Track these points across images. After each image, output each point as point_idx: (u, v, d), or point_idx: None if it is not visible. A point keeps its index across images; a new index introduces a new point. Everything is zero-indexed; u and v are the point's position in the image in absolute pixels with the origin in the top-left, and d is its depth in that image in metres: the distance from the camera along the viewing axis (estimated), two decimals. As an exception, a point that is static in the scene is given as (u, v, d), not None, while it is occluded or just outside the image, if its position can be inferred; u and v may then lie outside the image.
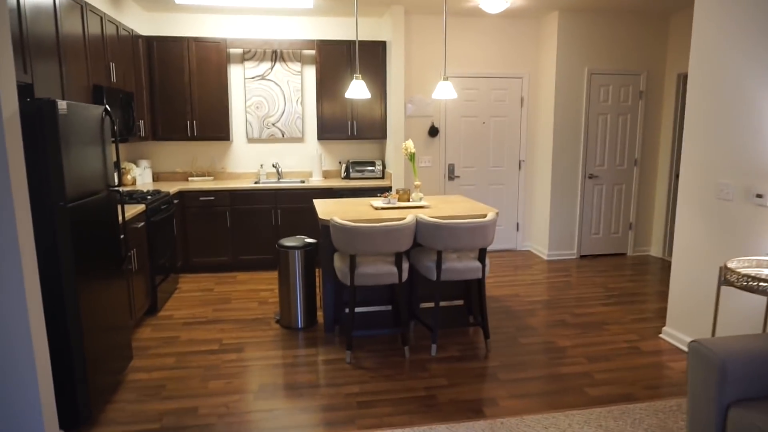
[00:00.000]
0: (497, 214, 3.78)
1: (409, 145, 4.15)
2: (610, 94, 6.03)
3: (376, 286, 4.11)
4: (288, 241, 4.16)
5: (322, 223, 3.69)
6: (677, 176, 6.09)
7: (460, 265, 3.61)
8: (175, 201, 5.33)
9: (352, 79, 5.90)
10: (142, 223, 4.21)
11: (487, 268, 3.70)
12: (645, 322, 4.23)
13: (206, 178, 6.04)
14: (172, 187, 5.43)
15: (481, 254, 3.65)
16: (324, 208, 4.11)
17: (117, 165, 3.28)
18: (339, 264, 3.63)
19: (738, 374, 2.08)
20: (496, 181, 6.43)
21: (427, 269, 3.65)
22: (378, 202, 4.18)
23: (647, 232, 6.38)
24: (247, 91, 6.03)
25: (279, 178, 6.15)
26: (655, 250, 6.32)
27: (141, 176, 5.79)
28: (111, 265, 3.17)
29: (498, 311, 4.48)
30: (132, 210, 4.02)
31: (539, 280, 5.36)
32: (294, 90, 6.11)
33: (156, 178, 6.05)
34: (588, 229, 6.24)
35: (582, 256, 6.28)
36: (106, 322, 3.06)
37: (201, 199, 5.54)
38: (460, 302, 4.25)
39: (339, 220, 3.41)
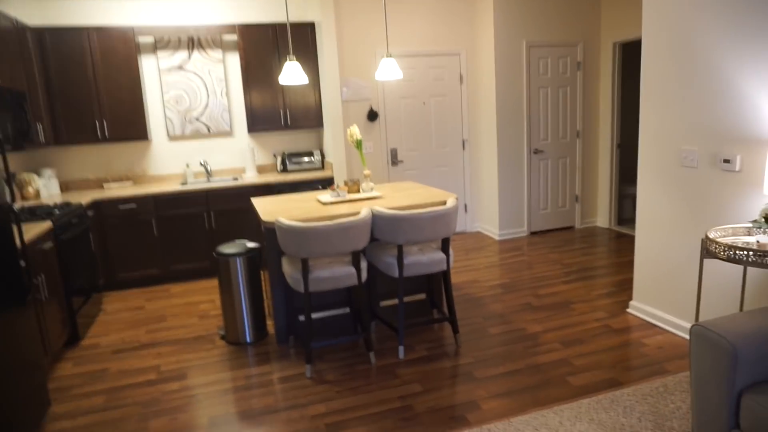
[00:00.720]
0: (457, 199, 3.51)
1: (355, 131, 3.78)
2: (549, 66, 5.91)
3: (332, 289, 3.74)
4: (227, 248, 3.70)
5: (265, 226, 3.27)
6: (619, 146, 6.09)
7: (424, 258, 3.31)
8: (90, 213, 4.68)
9: (280, 65, 5.42)
10: (50, 243, 3.61)
11: (451, 259, 3.42)
12: (609, 297, 4.12)
13: (124, 183, 5.39)
14: (84, 197, 4.78)
15: (445, 244, 3.36)
16: (265, 208, 3.67)
17: (8, 178, 2.70)
18: (289, 269, 3.23)
19: (751, 357, 1.90)
20: (440, 163, 6.19)
21: (387, 266, 3.32)
22: (326, 196, 3.80)
23: (593, 204, 6.37)
24: (164, 84, 5.41)
25: (209, 177, 5.60)
26: (602, 221, 6.33)
27: (46, 187, 5.07)
28: (11, 298, 2.61)
29: (460, 300, 4.24)
30: (35, 229, 3.41)
31: (495, 262, 5.18)
32: (217, 80, 5.55)
33: (65, 187, 5.33)
34: (536, 205, 6.14)
35: (532, 233, 6.18)
36: (11, 365, 2.51)
37: (120, 207, 4.91)
38: (422, 296, 3.96)
39: (286, 221, 3.01)
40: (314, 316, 3.74)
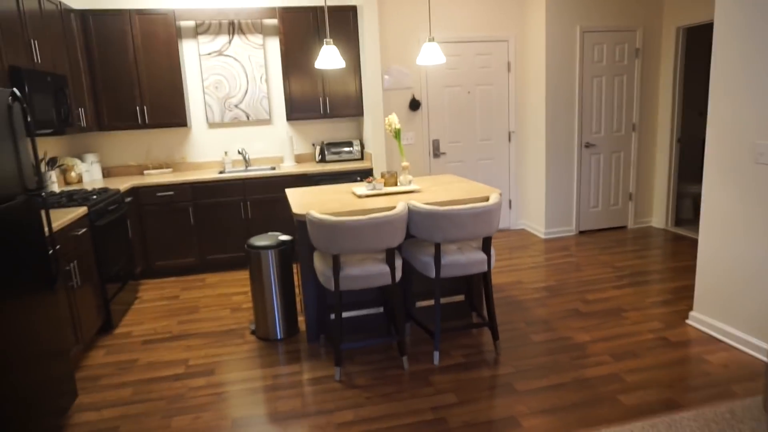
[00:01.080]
0: (501, 195, 3.26)
1: (393, 120, 3.57)
2: (605, 53, 5.52)
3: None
4: (259, 240, 3.58)
5: (297, 219, 3.12)
6: (679, 140, 5.65)
7: (463, 258, 3.09)
8: (128, 199, 4.67)
9: (321, 49, 5.25)
10: (84, 229, 3.57)
11: (492, 259, 3.19)
12: (666, 306, 3.79)
13: (164, 170, 5.38)
14: (125, 183, 4.77)
15: (486, 244, 3.12)
16: (299, 200, 3.53)
17: (36, 162, 2.64)
18: (320, 266, 3.07)
19: None
20: (485, 156, 5.91)
21: (423, 265, 3.12)
22: (361, 188, 3.62)
23: (648, 203, 5.95)
24: (204, 70, 5.35)
25: (247, 166, 5.52)
26: (657, 221, 5.91)
27: (89, 172, 5.10)
28: (38, 285, 2.55)
29: (502, 303, 3.99)
30: (69, 215, 3.37)
31: (540, 263, 4.89)
32: (257, 66, 5.44)
33: (107, 173, 5.36)
34: (586, 203, 5.78)
35: (581, 232, 5.83)
36: (37, 354, 2.46)
37: (158, 195, 4.89)
38: (461, 297, 3.74)
39: (317, 215, 2.84)
40: (346, 314, 3.59)
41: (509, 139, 5.92)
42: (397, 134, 3.60)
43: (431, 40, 3.50)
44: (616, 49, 5.54)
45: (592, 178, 5.74)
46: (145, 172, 5.34)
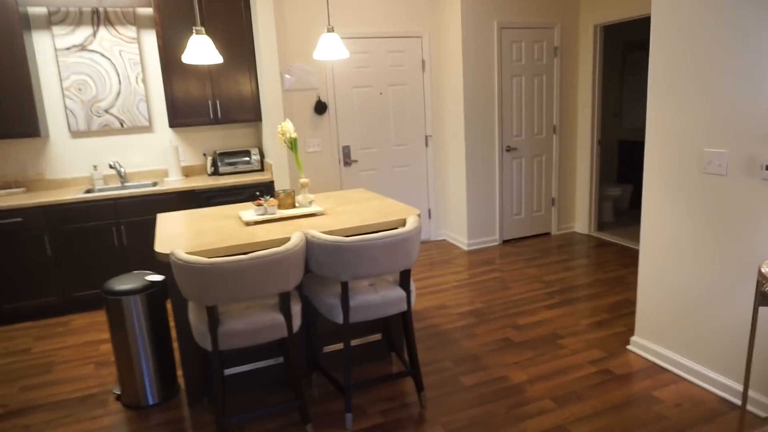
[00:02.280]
0: (419, 217, 2.71)
1: (287, 128, 2.93)
2: (524, 51, 5.18)
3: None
4: (120, 283, 2.80)
5: (160, 258, 2.39)
6: (599, 142, 5.43)
7: (377, 298, 2.51)
8: (-42, 230, 3.69)
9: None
10: None
11: (413, 296, 2.63)
12: (604, 328, 3.42)
13: (14, 190, 4.37)
14: (-48, 210, 3.77)
15: (404, 278, 2.56)
16: (168, 229, 2.79)
17: None
18: (193, 318, 2.37)
19: None
20: (401, 163, 5.39)
21: (328, 308, 2.50)
22: (249, 213, 2.93)
23: (570, 207, 5.70)
24: (63, 68, 4.41)
25: (123, 182, 4.64)
26: (581, 227, 5.67)
27: None
28: None
29: (425, 336, 3.47)
30: None
31: (464, 281, 4.43)
32: (131, 63, 4.57)
33: (-65, 196, 4.28)
34: (509, 210, 5.42)
35: (505, 241, 5.47)
36: None
37: (1, 222, 3.92)
38: (378, 336, 3.16)
39: (182, 256, 2.14)
40: (236, 370, 2.89)
41: (426, 144, 5.44)
42: (293, 144, 2.96)
43: (330, 30, 2.89)
44: (535, 47, 5.21)
45: (515, 184, 5.39)
46: (-11, 193, 4.32)
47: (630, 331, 3.35)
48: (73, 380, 3.18)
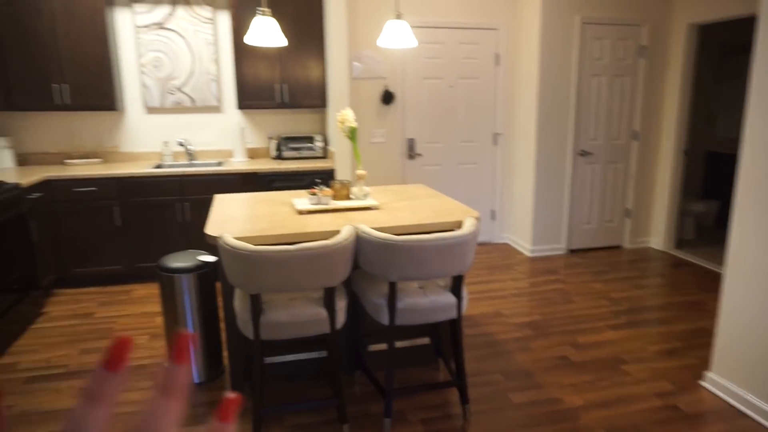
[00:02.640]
0: (478, 219, 2.55)
1: (348, 116, 2.83)
2: (607, 50, 4.83)
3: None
4: (174, 260, 2.82)
5: (209, 241, 2.37)
6: (686, 152, 5.00)
7: (425, 302, 2.38)
8: (36, 195, 3.88)
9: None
10: (-53, 239, 2.79)
11: (464, 303, 2.48)
12: (674, 358, 3.13)
13: (92, 160, 4.57)
14: (36, 174, 3.98)
15: (456, 284, 2.42)
16: (223, 211, 2.78)
17: None
18: (238, 306, 2.34)
19: None
20: (467, 160, 5.20)
21: (374, 307, 2.40)
22: (302, 201, 2.88)
23: (647, 220, 5.30)
24: (141, 45, 4.54)
25: (190, 160, 4.74)
26: (656, 242, 5.26)
27: (-4, 160, 4.29)
28: None
29: (477, 344, 3.30)
30: None
31: (525, 289, 4.21)
32: (205, 43, 4.65)
33: (22, 161, 4.54)
34: (578, 218, 5.11)
35: (572, 251, 5.16)
36: None
37: (76, 190, 4.10)
38: (426, 340, 3.03)
39: (229, 240, 2.10)
40: (281, 359, 2.86)
41: (495, 142, 5.22)
42: (352, 134, 2.86)
43: (398, 17, 2.76)
44: (620, 45, 4.85)
45: (586, 191, 5.07)
46: (67, 161, 4.54)
47: (705, 364, 3.04)
48: (125, 350, 3.27)
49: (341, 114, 2.86)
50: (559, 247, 5.09)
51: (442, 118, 5.03)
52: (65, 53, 4.14)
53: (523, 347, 3.25)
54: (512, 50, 5.03)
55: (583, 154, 4.97)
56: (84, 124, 4.60)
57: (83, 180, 4.09)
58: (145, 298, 4.08)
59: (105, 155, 4.69)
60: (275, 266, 2.07)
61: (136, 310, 3.85)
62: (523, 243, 5.14)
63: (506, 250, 5.22)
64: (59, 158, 4.60)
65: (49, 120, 4.53)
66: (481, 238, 5.42)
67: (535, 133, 4.82)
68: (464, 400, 2.53)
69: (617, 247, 5.27)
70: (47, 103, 4.19)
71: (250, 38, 2.56)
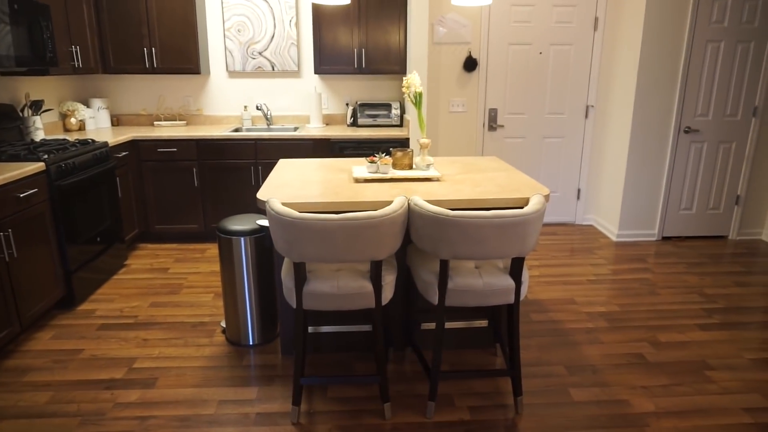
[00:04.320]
0: (547, 198, 2.31)
1: (414, 80, 2.66)
2: (728, 11, 4.20)
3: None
4: (233, 223, 2.85)
5: (259, 206, 2.34)
6: (817, 133, 4.28)
7: (479, 283, 2.20)
8: (124, 153, 4.10)
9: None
10: (35, 190, 2.99)
11: (524, 288, 2.27)
12: (774, 368, 2.72)
13: (176, 122, 4.76)
14: (130, 133, 4.21)
15: (516, 266, 2.21)
16: (280, 177, 2.75)
17: None
18: (284, 273, 2.30)
19: None
20: (553, 133, 4.82)
21: (424, 285, 2.26)
22: (361, 169, 2.76)
23: (760, 210, 4.65)
24: (226, 9, 4.60)
25: (268, 124, 4.79)
26: (770, 234, 4.63)
27: (94, 119, 4.58)
28: None
29: (541, 331, 3.07)
30: (10, 173, 2.79)
31: (604, 276, 3.86)
32: (287, 7, 4.62)
33: (116, 121, 4.82)
34: (676, 203, 4.59)
35: (665, 238, 4.67)
36: None
37: (159, 150, 4.28)
38: (484, 323, 2.85)
39: (275, 206, 2.05)
40: (331, 329, 2.81)
41: (586, 115, 4.78)
42: (417, 100, 2.69)
43: (474, -30, 2.52)
44: (746, 6, 4.20)
45: (689, 173, 4.52)
46: (155, 123, 4.75)
47: (812, 379, 2.61)
48: (192, 305, 3.40)
49: (407, 79, 2.69)
50: (650, 233, 4.62)
51: (528, 87, 4.68)
52: (155, 17, 4.28)
53: (593, 339, 2.97)
54: (614, 13, 4.53)
55: (688, 131, 4.42)
56: (171, 87, 4.78)
57: (166, 141, 4.27)
58: (217, 258, 4.20)
59: (190, 118, 4.86)
60: (317, 235, 1.99)
61: (206, 269, 3.99)
62: (609, 226, 4.72)
63: (590, 232, 4.83)
64: (149, 120, 4.83)
65: (140, 83, 4.76)
66: (563, 219, 5.05)
67: (632, 106, 4.34)
68: (517, 391, 2.34)
69: (721, 238, 4.69)
70: (139, 66, 4.38)
71: (311, -5, 2.44)
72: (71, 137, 3.99)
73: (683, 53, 4.23)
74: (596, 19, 4.55)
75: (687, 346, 2.91)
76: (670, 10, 4.14)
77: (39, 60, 3.43)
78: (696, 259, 4.21)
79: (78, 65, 4.01)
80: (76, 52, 3.98)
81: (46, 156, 3.12)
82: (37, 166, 3.01)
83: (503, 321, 2.79)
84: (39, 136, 3.85)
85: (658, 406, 2.40)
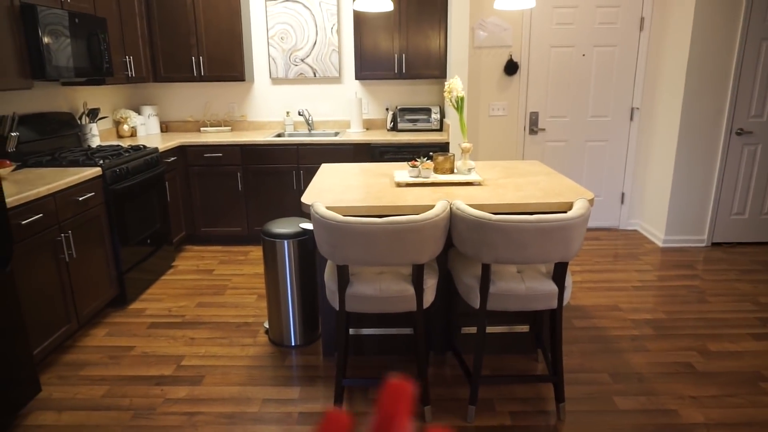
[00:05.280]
0: (592, 202, 2.28)
1: (456, 85, 2.67)
2: (784, 8, 4.04)
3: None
4: (277, 226, 2.92)
5: (304, 209, 2.39)
6: None
7: (521, 288, 2.19)
8: (173, 158, 4.26)
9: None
10: (92, 194, 3.14)
11: (567, 293, 2.25)
12: (834, 381, 2.59)
13: (222, 128, 4.91)
14: (178, 139, 4.38)
15: (559, 270, 2.19)
16: (323, 180, 2.80)
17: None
18: (327, 275, 2.34)
19: None
20: (597, 137, 4.73)
21: (466, 289, 2.27)
22: (402, 173, 2.79)
23: (819, 214, 4.44)
24: (269, 17, 4.72)
25: (310, 130, 4.89)
26: (830, 241, 4.40)
27: (144, 126, 4.77)
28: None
29: (585, 338, 3.02)
30: (73, 176, 2.95)
31: (651, 282, 3.76)
32: (328, 14, 4.70)
33: (165, 128, 5.01)
34: (727, 207, 4.42)
35: (714, 244, 4.51)
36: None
37: (206, 156, 4.43)
38: (525, 328, 2.83)
39: (319, 209, 2.09)
40: (374, 332, 2.84)
41: (631, 118, 4.68)
42: (459, 105, 2.70)
43: (517, -26, 2.51)
44: (802, 2, 4.02)
45: (742, 176, 4.36)
46: (202, 129, 4.91)
47: None
48: (236, 306, 3.49)
49: (449, 84, 2.71)
50: (699, 239, 4.47)
51: (570, 90, 4.61)
52: (203, 28, 4.44)
53: (638, 347, 2.90)
54: (660, 12, 4.42)
55: (741, 133, 4.26)
56: (216, 94, 4.94)
57: (212, 146, 4.40)
58: (260, 260, 4.33)
59: (234, 124, 5.01)
60: (360, 238, 2.03)
61: (249, 271, 4.09)
62: (655, 231, 4.59)
63: (635, 237, 4.71)
64: (196, 126, 5.00)
65: (187, 90, 4.93)
66: (607, 223, 4.94)
67: (680, 108, 4.22)
68: (560, 397, 2.31)
69: (776, 244, 4.50)
70: (186, 75, 4.54)
71: (359, 4, 2.49)
72: (124, 143, 4.17)
73: (735, 52, 4.09)
74: (642, 19, 4.45)
75: (740, 357, 2.81)
76: (722, 9, 4.01)
77: (96, 70, 3.61)
78: (748, 266, 4.05)
79: (131, 75, 4.19)
80: (130, 62, 4.17)
81: (102, 161, 3.28)
82: (95, 171, 3.16)
83: (545, 326, 2.76)
84: (95, 142, 4.04)
85: (708, 417, 2.33)
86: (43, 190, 2.68)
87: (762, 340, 2.96)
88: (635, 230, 4.91)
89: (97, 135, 4.07)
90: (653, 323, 3.17)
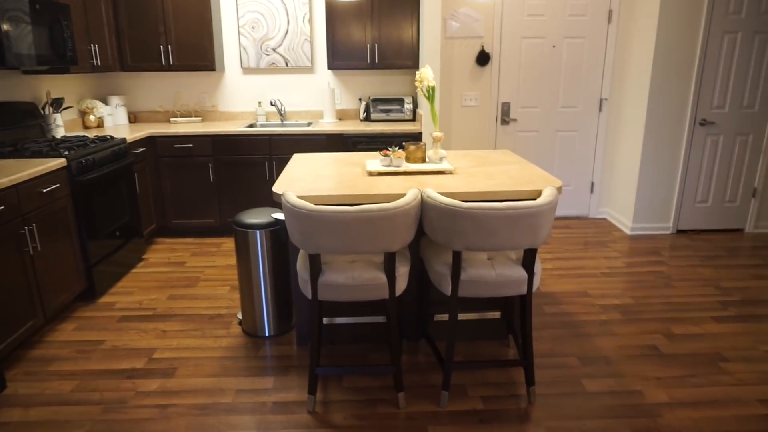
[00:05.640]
0: (560, 190, 2.32)
1: (427, 74, 2.68)
2: (746, 2, 4.15)
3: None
4: (249, 216, 2.90)
5: (275, 199, 2.38)
6: (836, 124, 4.23)
7: (492, 275, 2.22)
8: (141, 149, 4.17)
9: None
10: (57, 185, 3.07)
11: (537, 279, 2.29)
12: (790, 360, 2.71)
13: (192, 119, 4.83)
14: (145, 130, 4.28)
15: (528, 257, 2.23)
16: (294, 170, 2.79)
17: None
18: (300, 265, 2.34)
19: None
20: (567, 127, 4.81)
21: (437, 276, 2.29)
22: (374, 163, 2.79)
23: (778, 202, 4.61)
24: (239, 6, 4.65)
25: (282, 120, 4.84)
26: (788, 227, 4.57)
27: (112, 116, 4.67)
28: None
29: (554, 323, 3.08)
30: (36, 167, 2.87)
31: (618, 269, 3.86)
32: (300, 3, 4.66)
33: (133, 118, 4.91)
34: (691, 195, 4.55)
35: (680, 231, 4.65)
36: None
37: (176, 146, 4.35)
38: (497, 314, 2.88)
39: (290, 198, 2.09)
40: (346, 320, 2.85)
41: (600, 108, 4.76)
42: (430, 94, 2.71)
43: (486, -36, 2.53)
44: (762, -5, 4.15)
45: (705, 165, 4.48)
46: (172, 119, 4.83)
47: (829, 371, 2.60)
48: (209, 298, 3.46)
49: (420, 73, 2.71)
50: (664, 227, 4.60)
51: (541, 81, 4.67)
52: (171, 16, 4.35)
53: (606, 331, 2.98)
54: (628, 5, 4.50)
55: (704, 123, 4.38)
56: (187, 84, 4.85)
57: (182, 137, 4.33)
58: (232, 252, 4.29)
59: (205, 114, 4.93)
60: (332, 227, 2.03)
61: (222, 262, 4.05)
62: (623, 219, 4.70)
63: (603, 226, 4.82)
64: (166, 117, 4.90)
65: (156, 80, 4.83)
66: (577, 212, 5.04)
67: (647, 99, 4.31)
68: (530, 381, 2.36)
69: (738, 231, 4.65)
70: (155, 64, 4.45)
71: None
72: (90, 134, 4.07)
73: (699, 45, 4.19)
74: (610, 11, 4.53)
75: (702, 339, 2.91)
76: (686, 3, 4.10)
77: (59, 59, 3.51)
78: (712, 252, 4.18)
79: (97, 63, 4.09)
80: (95, 50, 4.06)
81: (67, 152, 3.20)
82: (59, 162, 3.09)
83: (516, 312, 2.81)
84: (60, 133, 3.93)
85: (672, 396, 2.41)
86: (5, 181, 2.61)
87: (723, 323, 3.07)
88: (604, 218, 5.02)
89: (61, 125, 3.96)
90: (621, 308, 3.26)
